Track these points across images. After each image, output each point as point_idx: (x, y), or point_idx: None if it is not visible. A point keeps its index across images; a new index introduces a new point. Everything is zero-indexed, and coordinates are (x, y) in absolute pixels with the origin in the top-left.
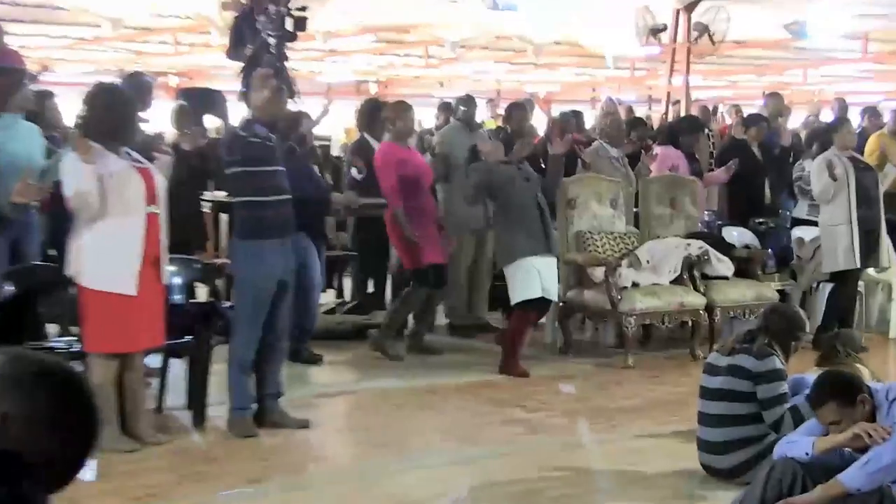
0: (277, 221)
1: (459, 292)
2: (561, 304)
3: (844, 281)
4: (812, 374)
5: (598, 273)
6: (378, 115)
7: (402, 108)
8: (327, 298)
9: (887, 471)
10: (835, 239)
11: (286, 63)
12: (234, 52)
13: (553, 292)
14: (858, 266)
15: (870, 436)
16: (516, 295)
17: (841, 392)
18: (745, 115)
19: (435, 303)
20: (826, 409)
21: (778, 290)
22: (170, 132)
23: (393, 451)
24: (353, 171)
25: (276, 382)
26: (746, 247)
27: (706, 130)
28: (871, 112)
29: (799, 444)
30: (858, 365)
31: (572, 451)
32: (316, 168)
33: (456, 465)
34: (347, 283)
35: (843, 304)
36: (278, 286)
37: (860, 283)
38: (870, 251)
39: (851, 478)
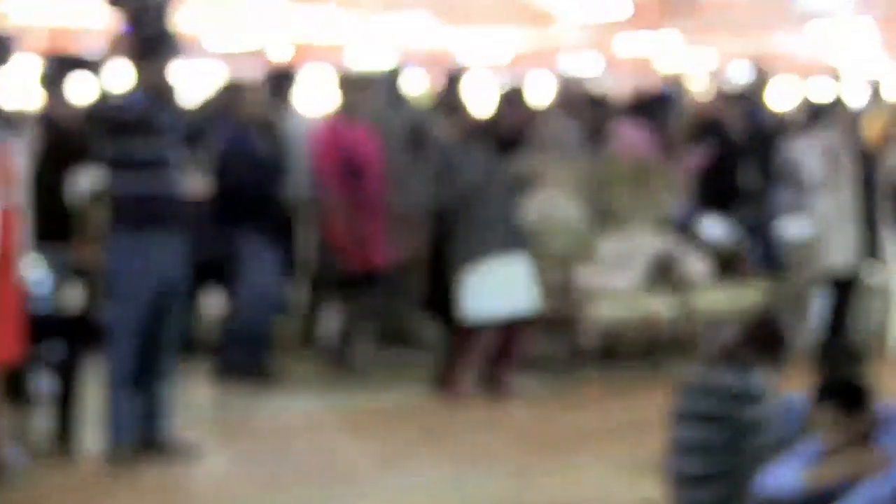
0: (163, 210)
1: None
2: None
3: (841, 284)
4: (804, 395)
5: (554, 273)
6: (287, 84)
7: (354, 80)
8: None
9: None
10: (828, 234)
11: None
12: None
13: (525, 303)
14: (855, 264)
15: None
16: (464, 309)
17: (848, 394)
18: (725, 87)
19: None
20: (826, 406)
21: (764, 295)
22: (36, 98)
23: (300, 483)
24: None
25: (164, 403)
26: (727, 243)
27: (680, 105)
28: (877, 86)
29: (787, 472)
30: None
31: (521, 484)
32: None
33: (382, 495)
34: None
35: (841, 311)
36: (164, 287)
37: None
38: (870, 248)
39: None
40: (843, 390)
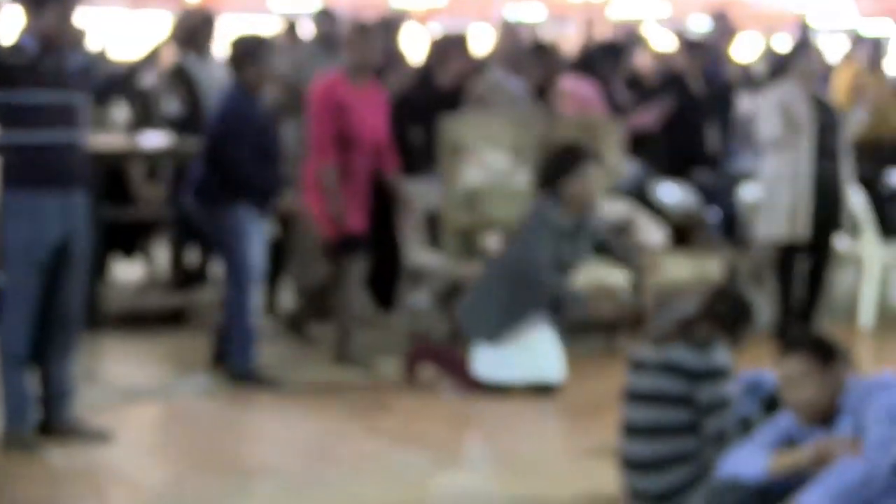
0: (58, 165)
1: (313, 268)
2: (444, 281)
3: (788, 256)
4: (771, 372)
5: (493, 242)
6: (205, 30)
7: (360, 31)
8: (135, 273)
9: (855, 491)
10: (778, 199)
11: None
12: None
13: (556, 368)
14: (805, 236)
15: (834, 451)
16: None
17: (821, 347)
18: (682, 39)
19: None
20: (794, 358)
21: (724, 265)
22: None
23: (220, 473)
24: (170, 106)
25: (65, 380)
26: (684, 209)
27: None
28: (854, 40)
29: (749, 458)
30: None
31: (453, 470)
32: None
33: (303, 489)
34: (162, 253)
35: (783, 283)
36: (59, 253)
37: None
38: (830, 216)
39: (813, 502)
40: (817, 341)
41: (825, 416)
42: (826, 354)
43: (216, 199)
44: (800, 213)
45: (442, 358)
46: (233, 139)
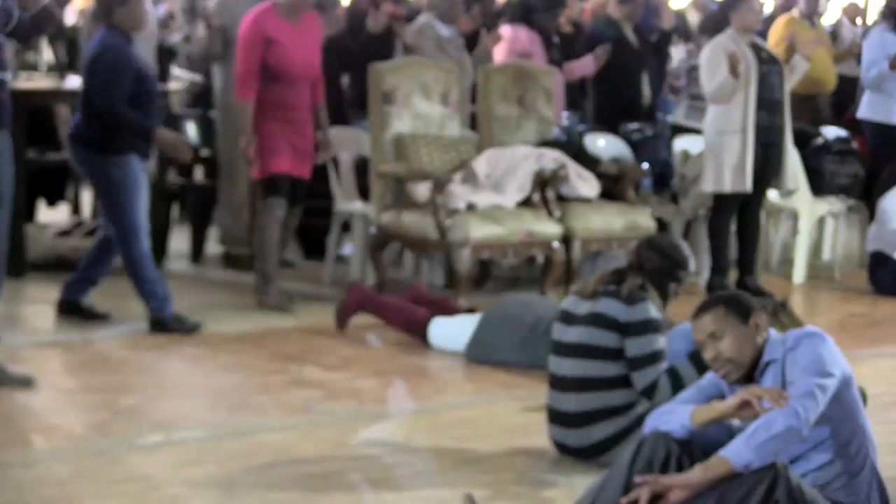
0: None
1: (237, 211)
2: (373, 230)
3: (724, 207)
4: None
5: (423, 191)
6: None
7: None
8: (60, 218)
9: (780, 440)
10: (722, 152)
11: None
12: None
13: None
14: (748, 189)
15: (759, 400)
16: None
17: (735, 303)
18: None
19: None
20: (710, 315)
21: (656, 218)
22: None
23: (143, 420)
24: None
25: None
26: (616, 161)
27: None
28: None
29: (674, 414)
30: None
31: (383, 423)
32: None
33: (227, 439)
34: (87, 197)
35: (720, 235)
36: None
37: (762, 212)
38: (769, 170)
39: (737, 452)
40: (730, 298)
41: (748, 373)
42: (740, 310)
43: (98, 148)
44: (746, 165)
45: (391, 310)
46: (107, 84)
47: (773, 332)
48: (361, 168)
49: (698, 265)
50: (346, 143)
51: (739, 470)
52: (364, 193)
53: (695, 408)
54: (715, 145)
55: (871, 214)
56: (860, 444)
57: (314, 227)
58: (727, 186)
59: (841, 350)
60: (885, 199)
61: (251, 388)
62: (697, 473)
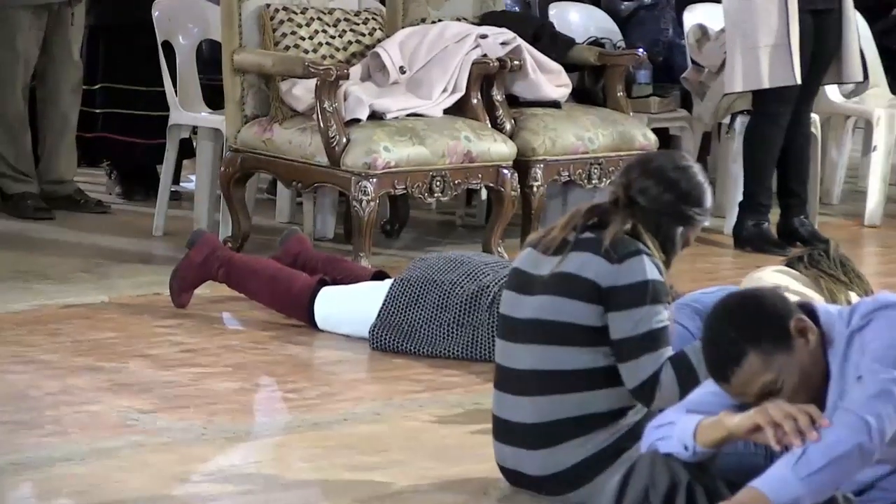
0: None
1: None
2: (228, 154)
3: (770, 111)
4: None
5: (302, 92)
6: None
7: None
8: None
9: (844, 465)
10: (753, 31)
11: None
12: None
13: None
14: (798, 82)
15: (778, 426)
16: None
17: (762, 331)
18: None
19: None
20: (743, 373)
21: (657, 130)
22: None
23: None
24: None
25: None
26: (597, 42)
27: None
28: None
29: (675, 428)
30: (851, 292)
31: (243, 445)
32: None
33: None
34: None
35: (760, 156)
36: None
37: (813, 118)
38: (823, 52)
39: (780, 483)
40: (756, 321)
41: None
42: (774, 335)
43: None
44: (791, 43)
45: (257, 276)
46: None
47: (829, 308)
48: (209, 58)
49: (721, 200)
50: (183, 18)
51: None
52: (214, 98)
53: (702, 420)
54: (740, 23)
55: None
56: None
57: (134, 147)
58: (766, 79)
59: None
60: None
61: (41, 395)
62: None
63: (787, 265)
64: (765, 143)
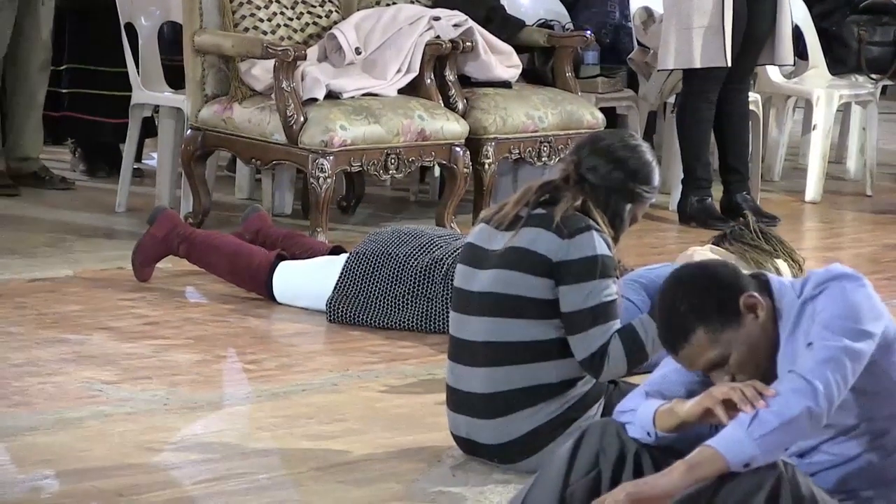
0: None
1: None
2: (189, 132)
3: (699, 88)
4: (672, 265)
5: (262, 72)
6: None
7: None
8: None
9: (794, 428)
10: (688, 12)
11: None
12: None
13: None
14: (728, 64)
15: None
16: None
17: (709, 305)
18: None
19: None
20: (691, 347)
21: (605, 109)
22: None
23: None
24: None
25: None
26: (546, 24)
27: None
28: None
29: (637, 414)
30: (777, 259)
31: (204, 415)
32: None
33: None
34: None
35: (694, 133)
36: None
37: (754, 98)
38: (756, 37)
39: (735, 444)
40: (705, 295)
41: (767, 362)
42: (723, 310)
43: None
44: (724, 25)
45: (218, 251)
46: None
47: (782, 280)
48: (171, 39)
49: (666, 177)
50: (145, 0)
51: (736, 469)
52: (175, 78)
53: (659, 406)
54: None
55: None
56: None
57: (100, 126)
58: (697, 59)
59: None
60: None
61: (7, 367)
62: (678, 475)
63: (714, 244)
64: (695, 119)
